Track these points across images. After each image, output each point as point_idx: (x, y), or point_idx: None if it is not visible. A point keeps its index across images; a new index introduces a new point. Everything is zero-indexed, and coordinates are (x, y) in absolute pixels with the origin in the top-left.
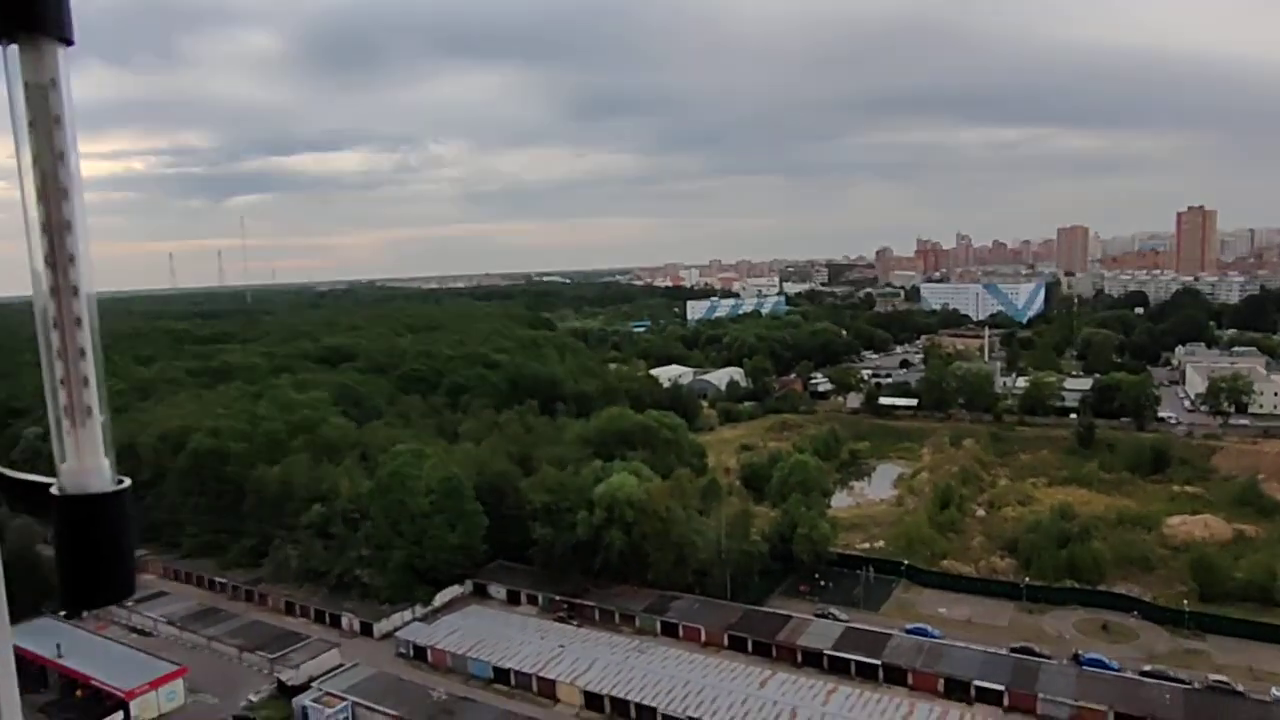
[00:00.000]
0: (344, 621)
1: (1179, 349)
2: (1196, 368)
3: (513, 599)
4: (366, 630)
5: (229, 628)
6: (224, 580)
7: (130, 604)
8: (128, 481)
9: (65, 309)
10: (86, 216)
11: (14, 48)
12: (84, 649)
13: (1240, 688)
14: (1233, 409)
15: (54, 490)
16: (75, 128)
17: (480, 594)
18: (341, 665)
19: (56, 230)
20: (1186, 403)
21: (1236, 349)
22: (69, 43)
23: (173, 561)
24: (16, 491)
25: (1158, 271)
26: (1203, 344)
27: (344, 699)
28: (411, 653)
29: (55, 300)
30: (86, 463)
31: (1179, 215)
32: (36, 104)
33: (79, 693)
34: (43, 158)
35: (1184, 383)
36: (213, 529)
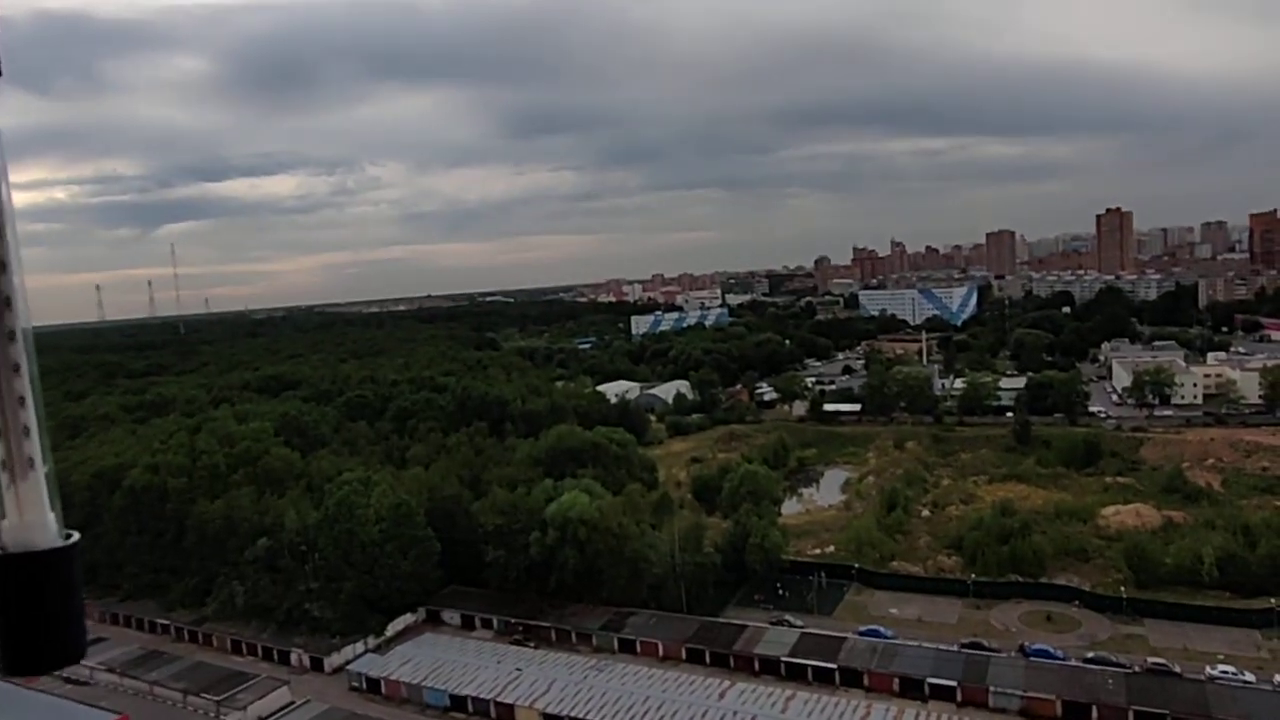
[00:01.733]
0: (294, 657)
1: (1105, 345)
2: (1122, 363)
3: (467, 624)
4: (317, 665)
5: (172, 671)
6: (166, 622)
7: None
8: (76, 535)
9: (2, 355)
10: (22, 256)
11: None
12: (10, 703)
13: (1177, 668)
14: (1157, 401)
15: None
16: (6, 168)
17: (434, 621)
18: (292, 703)
19: None
20: (1114, 397)
21: (1157, 343)
22: None
23: (111, 605)
24: None
25: (1081, 272)
26: (1126, 340)
27: None
28: (365, 685)
29: None
30: (30, 518)
31: (1098, 217)
32: None
33: None
34: None
35: (1111, 378)
36: (153, 569)
